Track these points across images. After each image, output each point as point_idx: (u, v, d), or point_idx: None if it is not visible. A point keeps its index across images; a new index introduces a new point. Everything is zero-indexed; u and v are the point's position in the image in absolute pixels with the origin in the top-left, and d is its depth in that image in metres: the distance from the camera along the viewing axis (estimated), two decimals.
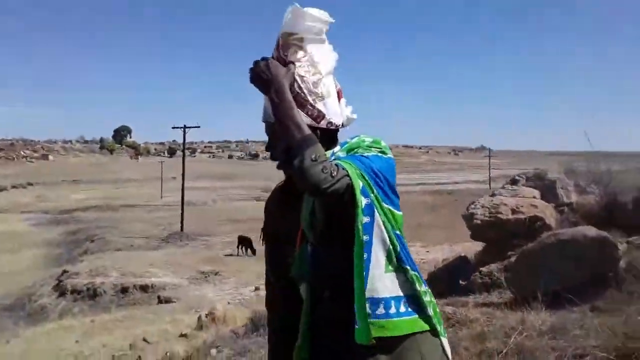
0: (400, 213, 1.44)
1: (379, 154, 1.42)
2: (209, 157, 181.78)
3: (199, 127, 39.56)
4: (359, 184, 1.32)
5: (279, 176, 1.72)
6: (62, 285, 21.85)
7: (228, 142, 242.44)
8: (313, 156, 1.26)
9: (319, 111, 1.46)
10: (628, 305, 4.05)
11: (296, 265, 1.58)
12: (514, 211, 7.16)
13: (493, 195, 8.04)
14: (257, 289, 18.08)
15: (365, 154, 1.40)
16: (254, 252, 25.58)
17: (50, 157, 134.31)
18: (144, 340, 10.65)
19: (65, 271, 23.72)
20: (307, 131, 1.32)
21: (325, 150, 1.40)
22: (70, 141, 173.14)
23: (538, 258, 5.43)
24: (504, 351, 3.49)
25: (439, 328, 1.42)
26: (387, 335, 1.32)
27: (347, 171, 1.30)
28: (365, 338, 1.31)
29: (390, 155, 1.46)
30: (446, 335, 1.46)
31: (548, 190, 7.81)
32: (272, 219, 1.77)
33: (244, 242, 26.17)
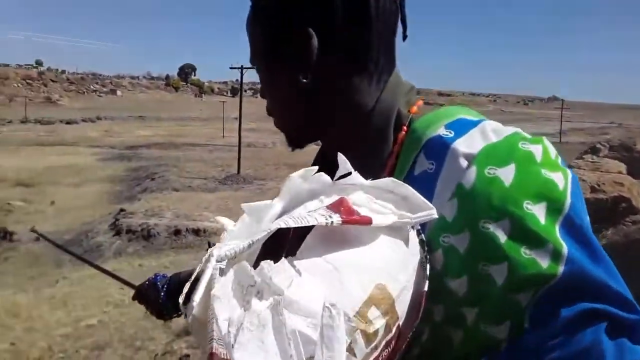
0: None
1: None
2: None
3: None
4: None
5: None
6: (118, 224, 22.23)
7: None
8: None
9: None
10: None
11: None
12: (593, 189, 6.14)
13: (569, 167, 7.02)
14: None
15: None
16: None
17: (119, 92, 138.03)
18: None
19: (122, 209, 24.12)
20: None
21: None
22: (138, 77, 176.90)
23: (623, 255, 4.50)
24: None
25: None
26: None
27: None
28: None
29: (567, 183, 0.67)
30: None
31: (637, 164, 6.71)
32: None
33: None
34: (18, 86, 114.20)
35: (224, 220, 0.64)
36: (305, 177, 0.61)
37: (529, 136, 0.71)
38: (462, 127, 0.70)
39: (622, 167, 6.52)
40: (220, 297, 0.49)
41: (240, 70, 37.81)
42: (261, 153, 48.91)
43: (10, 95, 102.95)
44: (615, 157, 6.93)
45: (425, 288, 0.60)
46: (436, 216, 0.61)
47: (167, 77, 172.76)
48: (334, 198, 0.59)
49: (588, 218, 0.67)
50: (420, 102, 0.80)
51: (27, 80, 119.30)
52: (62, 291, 12.21)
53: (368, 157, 0.74)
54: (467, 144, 0.68)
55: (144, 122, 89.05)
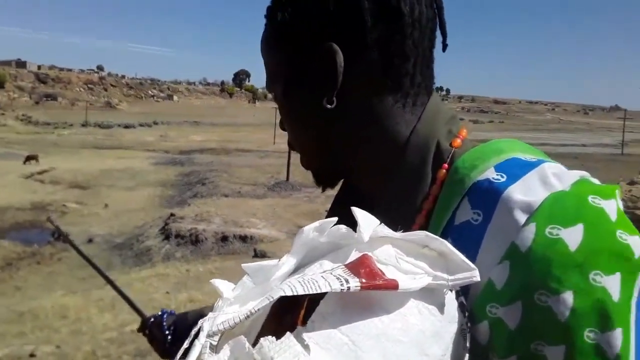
0: None
1: None
2: None
3: None
4: None
5: None
6: (167, 228, 22.62)
7: None
8: None
9: None
10: None
11: None
12: None
13: (632, 183, 6.58)
14: None
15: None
16: None
17: (175, 98, 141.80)
18: None
19: (172, 214, 24.55)
20: None
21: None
22: (194, 83, 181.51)
23: None
24: None
25: None
26: None
27: None
28: None
29: None
30: None
31: None
32: None
33: None
34: (80, 90, 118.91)
35: (221, 285, 0.55)
36: (322, 230, 0.52)
37: (598, 183, 0.56)
38: (516, 170, 0.57)
39: None
40: None
41: None
42: None
43: (73, 100, 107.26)
44: None
45: None
46: (478, 279, 0.50)
47: (222, 83, 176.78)
48: (356, 255, 0.50)
49: None
50: (465, 133, 0.66)
51: (89, 85, 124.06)
52: (110, 294, 12.32)
53: (401, 199, 0.63)
54: (524, 192, 0.54)
55: (198, 127, 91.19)
